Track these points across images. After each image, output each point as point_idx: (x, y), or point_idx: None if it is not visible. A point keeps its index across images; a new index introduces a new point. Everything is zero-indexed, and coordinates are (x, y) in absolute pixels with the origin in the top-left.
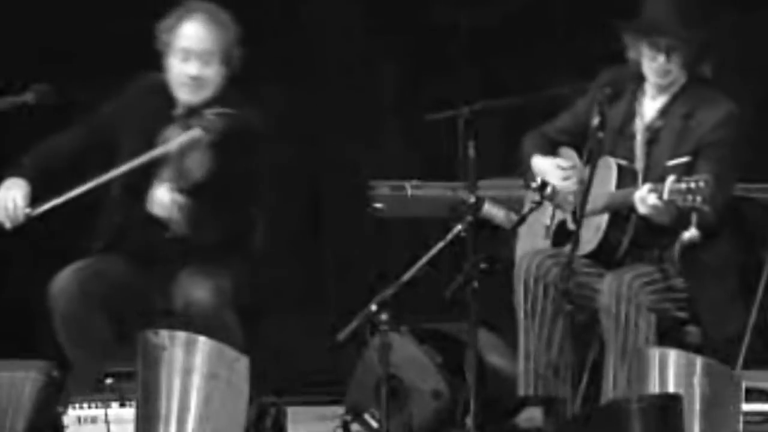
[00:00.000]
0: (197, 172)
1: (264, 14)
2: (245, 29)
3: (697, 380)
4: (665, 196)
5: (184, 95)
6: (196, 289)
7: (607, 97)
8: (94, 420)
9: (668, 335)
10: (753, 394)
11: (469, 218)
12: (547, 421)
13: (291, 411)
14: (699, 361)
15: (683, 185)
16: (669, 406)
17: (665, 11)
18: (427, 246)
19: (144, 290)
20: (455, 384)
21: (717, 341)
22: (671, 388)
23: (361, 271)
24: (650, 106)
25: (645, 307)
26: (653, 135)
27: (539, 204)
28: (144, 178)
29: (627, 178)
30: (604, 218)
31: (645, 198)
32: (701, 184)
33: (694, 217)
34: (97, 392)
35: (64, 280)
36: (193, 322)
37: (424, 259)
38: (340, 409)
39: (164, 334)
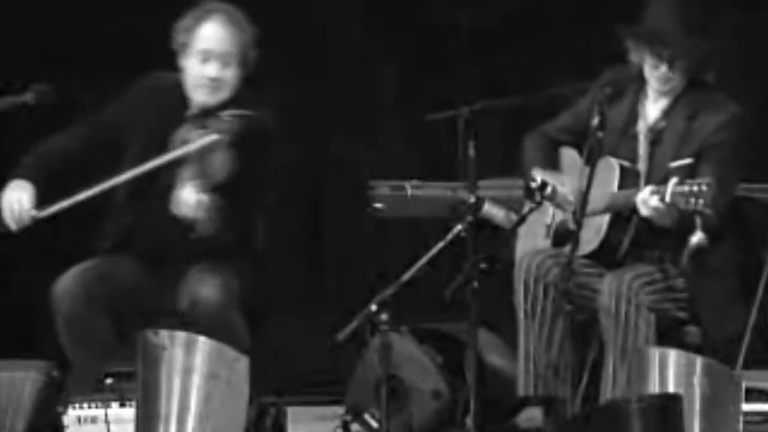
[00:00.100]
0: (220, 172)
1: (264, 15)
2: None
3: (697, 380)
4: (667, 198)
5: (201, 96)
6: (204, 288)
7: (607, 97)
8: (94, 420)
9: (668, 335)
10: (753, 394)
11: (469, 218)
12: (547, 421)
13: (291, 411)
14: (699, 361)
15: (686, 188)
16: (669, 406)
17: (668, 19)
18: (427, 246)
19: (150, 291)
20: (455, 384)
21: (717, 341)
22: (671, 388)
23: (361, 271)
24: (653, 107)
25: (645, 307)
26: (656, 136)
27: (539, 204)
28: (151, 178)
29: (629, 179)
30: (605, 219)
31: (647, 200)
32: (703, 187)
33: (698, 221)
34: (97, 392)
35: (67, 282)
36: (199, 321)
37: (424, 259)
38: (340, 409)
39: (164, 334)
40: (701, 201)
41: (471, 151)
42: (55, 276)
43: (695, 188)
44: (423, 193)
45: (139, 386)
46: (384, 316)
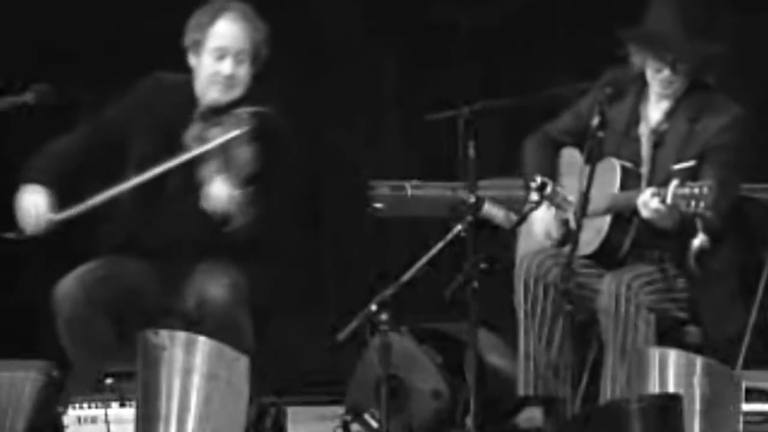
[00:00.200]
0: (246, 167)
1: (263, 15)
2: None
3: (697, 380)
4: (668, 200)
5: (215, 94)
6: (212, 287)
7: (607, 97)
8: (94, 420)
9: (668, 335)
10: (753, 394)
11: (469, 218)
12: (547, 421)
13: (291, 411)
14: (699, 361)
15: (686, 190)
16: (669, 406)
17: (669, 21)
18: (427, 246)
19: (154, 291)
20: (455, 384)
21: (717, 341)
22: (671, 388)
23: (361, 271)
24: (655, 109)
25: (644, 307)
26: (659, 138)
27: (539, 204)
28: (162, 177)
29: (631, 180)
30: (606, 220)
31: (648, 202)
32: (705, 190)
33: (699, 224)
34: (97, 392)
35: (69, 284)
36: (205, 320)
37: (424, 259)
38: (340, 409)
39: (164, 334)
40: (702, 204)
41: (471, 151)
42: (58, 277)
43: (696, 191)
44: (423, 193)
45: (139, 386)
46: (384, 316)
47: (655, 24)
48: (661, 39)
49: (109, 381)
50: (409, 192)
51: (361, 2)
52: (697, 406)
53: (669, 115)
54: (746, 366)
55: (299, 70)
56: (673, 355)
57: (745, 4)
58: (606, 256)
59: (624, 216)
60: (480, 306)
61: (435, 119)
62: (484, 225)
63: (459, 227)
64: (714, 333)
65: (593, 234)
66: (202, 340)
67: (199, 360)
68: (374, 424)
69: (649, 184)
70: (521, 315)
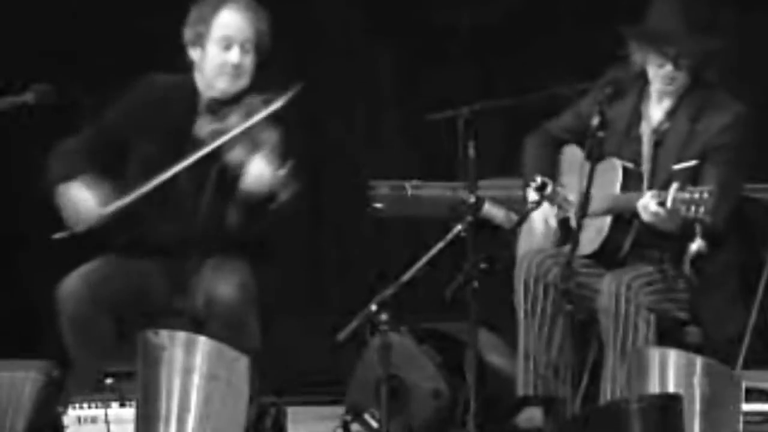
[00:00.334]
0: (281, 145)
1: None
2: None
3: (697, 380)
4: (668, 204)
5: (222, 84)
6: (221, 286)
7: (607, 97)
8: (94, 420)
9: (668, 335)
10: (753, 394)
11: (469, 218)
12: (547, 421)
13: (291, 411)
14: (699, 361)
15: (686, 195)
16: (669, 406)
17: (672, 18)
18: (427, 246)
19: (161, 289)
20: (455, 384)
21: (717, 341)
22: (671, 388)
23: (361, 271)
24: (656, 108)
25: (644, 308)
26: (660, 138)
27: (539, 204)
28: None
29: (632, 180)
30: (607, 220)
31: (648, 205)
32: (705, 195)
33: (698, 228)
34: (97, 392)
35: (72, 283)
36: (213, 319)
37: (424, 259)
38: (340, 409)
39: (164, 334)
40: (702, 209)
41: (471, 151)
42: (61, 276)
43: (696, 195)
44: (423, 193)
45: (139, 386)
46: (384, 316)
47: (657, 21)
48: (663, 34)
49: (109, 381)
50: (409, 192)
51: (361, 2)
52: (697, 406)
53: (670, 114)
54: (746, 366)
55: (299, 69)
56: (673, 355)
57: (744, 2)
58: (606, 256)
59: (625, 216)
60: (480, 306)
61: (435, 119)
62: (484, 225)
63: (459, 227)
64: (714, 333)
65: (594, 234)
66: (202, 340)
67: (199, 360)
68: (374, 424)
69: (651, 184)
70: (521, 315)
